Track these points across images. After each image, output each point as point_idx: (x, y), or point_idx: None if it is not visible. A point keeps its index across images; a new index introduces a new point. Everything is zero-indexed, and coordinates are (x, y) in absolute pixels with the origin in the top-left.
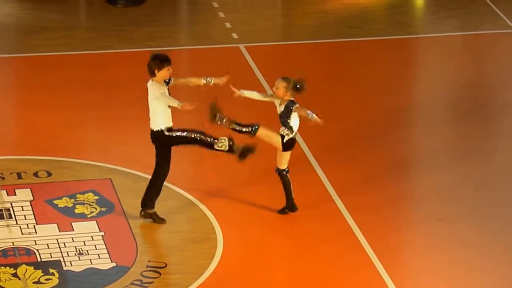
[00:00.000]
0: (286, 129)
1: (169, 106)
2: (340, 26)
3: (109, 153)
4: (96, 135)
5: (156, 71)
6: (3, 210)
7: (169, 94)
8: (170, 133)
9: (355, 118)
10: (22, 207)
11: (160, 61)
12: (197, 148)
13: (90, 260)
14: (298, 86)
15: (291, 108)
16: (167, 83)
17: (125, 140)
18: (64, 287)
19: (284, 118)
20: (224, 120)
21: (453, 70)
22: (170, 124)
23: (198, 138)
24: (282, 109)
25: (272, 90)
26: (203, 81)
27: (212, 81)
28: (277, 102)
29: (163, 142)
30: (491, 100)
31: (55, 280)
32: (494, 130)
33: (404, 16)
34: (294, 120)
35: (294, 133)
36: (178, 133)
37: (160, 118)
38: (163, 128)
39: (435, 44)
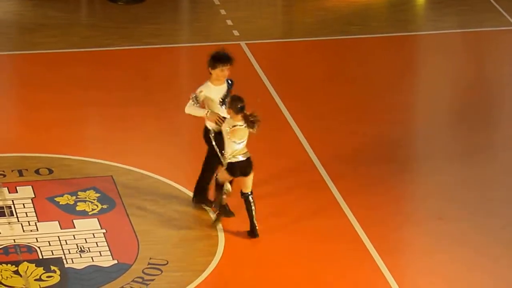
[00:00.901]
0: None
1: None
2: (340, 23)
3: (111, 150)
4: (97, 133)
5: (210, 70)
6: (5, 208)
7: (227, 97)
8: (213, 138)
9: (355, 116)
10: (23, 204)
11: (213, 59)
12: (199, 147)
13: (92, 257)
14: (239, 106)
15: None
16: (229, 85)
17: (126, 138)
18: (65, 284)
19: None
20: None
21: (454, 68)
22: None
23: (212, 168)
24: None
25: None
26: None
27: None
28: None
29: (206, 141)
30: (492, 98)
31: (56, 278)
32: (495, 129)
33: (405, 14)
34: (227, 144)
35: (230, 157)
36: (214, 145)
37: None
38: (209, 128)
39: (436, 41)
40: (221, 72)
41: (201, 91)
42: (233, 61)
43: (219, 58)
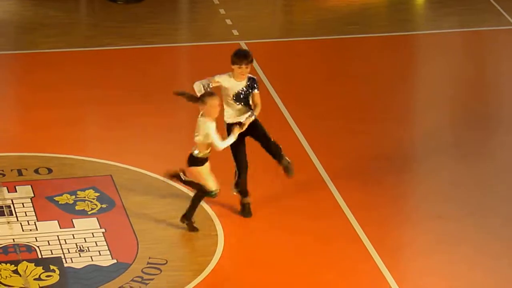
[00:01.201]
0: None
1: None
2: (340, 23)
3: (110, 149)
4: (97, 132)
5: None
6: (4, 207)
7: (250, 99)
8: (228, 130)
9: (355, 115)
10: (22, 203)
11: (232, 57)
12: None
13: (91, 256)
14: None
15: None
16: (250, 84)
17: (125, 137)
18: (64, 283)
19: None
20: None
21: (454, 67)
22: (229, 121)
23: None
24: None
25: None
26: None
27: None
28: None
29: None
30: (492, 97)
31: (55, 277)
32: (495, 128)
33: (405, 13)
34: None
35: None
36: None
37: (225, 112)
38: (226, 122)
39: (436, 41)
40: (239, 69)
41: (216, 78)
42: (248, 60)
43: (236, 56)
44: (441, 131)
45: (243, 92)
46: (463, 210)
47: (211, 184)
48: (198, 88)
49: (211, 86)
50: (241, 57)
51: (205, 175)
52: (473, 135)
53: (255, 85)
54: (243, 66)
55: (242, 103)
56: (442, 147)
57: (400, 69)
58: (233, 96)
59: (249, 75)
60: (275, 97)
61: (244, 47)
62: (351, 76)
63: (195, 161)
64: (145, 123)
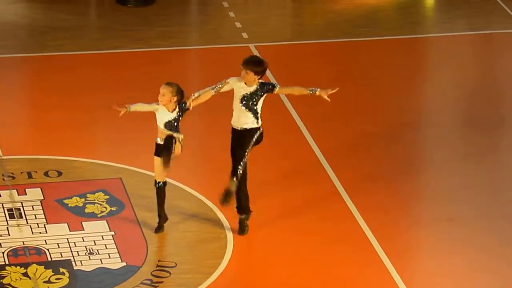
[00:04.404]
0: (179, 133)
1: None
2: (350, 25)
3: (120, 152)
4: (107, 135)
5: None
6: (14, 210)
7: (255, 101)
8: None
9: (364, 118)
10: (32, 206)
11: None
12: (208, 148)
13: (101, 259)
14: (183, 90)
15: (185, 110)
16: (260, 89)
17: (135, 140)
18: (74, 286)
19: (178, 123)
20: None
21: (464, 70)
22: (234, 125)
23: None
24: (175, 116)
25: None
26: (308, 92)
27: (317, 92)
28: (163, 110)
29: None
30: (501, 100)
31: (65, 280)
32: (504, 131)
33: (415, 16)
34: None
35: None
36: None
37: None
38: (232, 125)
39: (446, 43)
40: (241, 72)
41: (227, 80)
42: (246, 65)
43: (244, 61)
44: (450, 134)
45: (247, 97)
46: (473, 213)
47: (157, 175)
48: (202, 91)
49: (219, 86)
50: (243, 62)
51: (156, 164)
52: (483, 138)
53: (271, 87)
54: (244, 71)
55: (246, 108)
56: (452, 150)
57: (409, 72)
58: (240, 98)
59: (261, 81)
60: (284, 99)
61: (254, 50)
62: (360, 79)
63: (156, 149)
64: (155, 125)
